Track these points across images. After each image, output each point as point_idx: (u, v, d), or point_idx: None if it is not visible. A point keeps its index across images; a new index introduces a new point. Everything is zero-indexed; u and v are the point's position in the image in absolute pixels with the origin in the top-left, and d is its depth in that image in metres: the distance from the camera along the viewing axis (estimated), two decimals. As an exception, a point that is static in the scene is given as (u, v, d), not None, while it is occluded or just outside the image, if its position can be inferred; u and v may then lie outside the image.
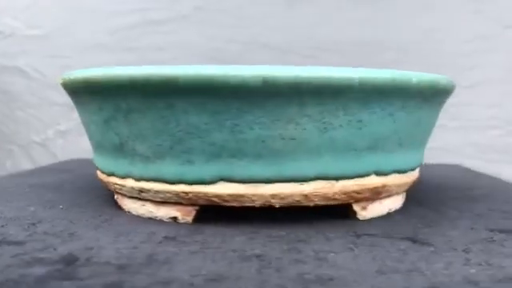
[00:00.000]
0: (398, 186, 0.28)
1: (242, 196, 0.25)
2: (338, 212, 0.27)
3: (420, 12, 0.60)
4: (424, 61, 0.59)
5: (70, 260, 0.20)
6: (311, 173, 0.24)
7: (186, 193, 0.25)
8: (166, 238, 0.23)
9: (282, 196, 0.25)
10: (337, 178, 0.25)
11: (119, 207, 0.29)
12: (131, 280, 0.17)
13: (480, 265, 0.20)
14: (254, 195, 0.24)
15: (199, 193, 0.25)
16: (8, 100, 0.64)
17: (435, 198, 0.34)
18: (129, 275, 0.18)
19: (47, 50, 0.64)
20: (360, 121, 0.24)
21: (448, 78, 0.27)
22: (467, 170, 0.51)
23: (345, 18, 0.60)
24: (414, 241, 0.23)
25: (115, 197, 0.30)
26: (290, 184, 0.25)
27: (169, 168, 0.25)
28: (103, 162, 0.29)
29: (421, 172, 0.32)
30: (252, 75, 0.22)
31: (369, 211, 0.27)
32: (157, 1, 0.62)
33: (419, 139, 0.28)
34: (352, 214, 0.27)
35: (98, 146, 0.29)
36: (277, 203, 0.25)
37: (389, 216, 0.28)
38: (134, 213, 0.28)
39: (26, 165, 0.64)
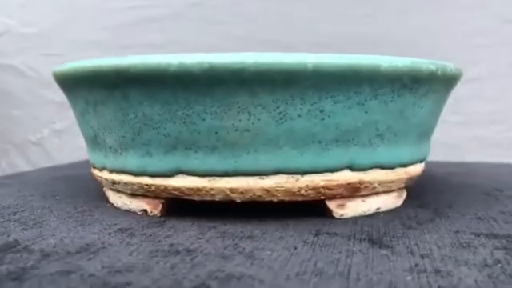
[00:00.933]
0: (384, 182, 0.25)
1: (200, 190, 0.24)
2: (318, 210, 0.25)
3: (420, 7, 0.56)
4: (425, 56, 0.54)
5: (7, 246, 0.20)
6: (271, 166, 0.23)
7: (149, 185, 0.25)
8: (119, 229, 0.23)
9: (241, 190, 0.23)
10: (301, 173, 0.23)
11: (107, 199, 0.30)
12: (37, 267, 0.18)
13: (424, 271, 0.17)
14: (212, 189, 0.24)
15: (160, 186, 0.24)
16: (3, 99, 0.65)
17: (447, 199, 0.30)
18: (42, 263, 0.18)
19: (43, 48, 0.64)
20: (322, 111, 0.22)
21: (439, 64, 0.24)
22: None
23: (344, 13, 0.57)
24: (373, 243, 0.21)
25: (103, 189, 0.30)
26: (249, 178, 0.23)
27: (132, 160, 0.25)
28: (89, 155, 0.29)
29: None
30: (193, 62, 0.21)
31: (348, 209, 0.25)
32: None
33: (409, 132, 0.26)
34: (327, 212, 0.25)
35: (84, 140, 0.29)
36: (237, 198, 0.24)
37: (373, 216, 0.26)
38: (115, 205, 0.28)
39: (22, 164, 0.66)
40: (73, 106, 0.28)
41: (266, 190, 0.23)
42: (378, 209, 0.27)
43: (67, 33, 0.65)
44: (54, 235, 0.22)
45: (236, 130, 0.22)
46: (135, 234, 0.22)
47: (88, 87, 0.25)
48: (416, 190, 0.31)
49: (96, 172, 0.28)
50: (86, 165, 0.41)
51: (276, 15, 0.59)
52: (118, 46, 0.63)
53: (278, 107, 0.22)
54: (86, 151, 0.30)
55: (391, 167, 0.25)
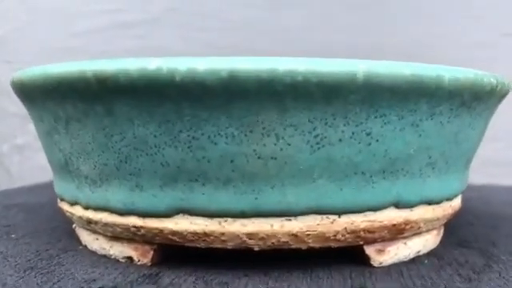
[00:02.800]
0: (430, 221, 0.21)
1: (208, 235, 0.18)
2: (345, 253, 0.20)
3: (418, 17, 0.53)
4: (418, 60, 0.51)
5: None
6: (301, 204, 0.18)
7: (138, 227, 0.19)
8: (101, 289, 0.17)
9: (262, 236, 0.18)
10: (339, 212, 0.18)
11: (78, 239, 0.24)
12: None
13: None
14: (223, 234, 0.18)
15: (154, 228, 0.19)
16: (-42, 110, 0.58)
17: (482, 235, 0.26)
18: None
19: (2, 55, 0.58)
20: (368, 133, 0.17)
21: (499, 76, 0.20)
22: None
23: (336, 22, 0.53)
24: (444, 307, 0.16)
25: (73, 226, 0.24)
26: (273, 219, 0.18)
27: (116, 195, 0.19)
28: (55, 184, 0.23)
29: (465, 199, 0.25)
30: (207, 70, 0.16)
31: (387, 255, 0.20)
32: (127, 2, 0.55)
33: (460, 159, 0.21)
34: (364, 259, 0.20)
35: (49, 164, 0.23)
36: (256, 245, 0.18)
37: (415, 262, 0.21)
38: (89, 247, 0.22)
39: None
40: (36, 123, 0.22)
41: (294, 235, 0.18)
42: (418, 252, 0.22)
43: (31, 38, 0.57)
44: (10, 301, 0.16)
45: (259, 157, 0.17)
46: (124, 298, 0.17)
47: (59, 99, 0.19)
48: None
49: (65, 206, 0.22)
50: (49, 189, 0.35)
51: (264, 24, 0.54)
52: (89, 54, 0.56)
53: (314, 129, 0.17)
54: (48, 170, 0.24)
55: (439, 202, 0.21)
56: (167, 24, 0.55)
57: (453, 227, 0.27)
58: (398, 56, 0.51)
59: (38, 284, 0.18)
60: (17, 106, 0.57)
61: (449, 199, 0.22)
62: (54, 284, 0.18)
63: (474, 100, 0.19)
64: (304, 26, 0.54)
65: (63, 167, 0.21)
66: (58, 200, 0.24)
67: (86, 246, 0.23)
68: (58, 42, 0.57)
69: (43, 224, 0.27)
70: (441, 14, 0.53)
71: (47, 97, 0.19)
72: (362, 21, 0.53)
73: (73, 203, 0.22)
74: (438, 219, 0.21)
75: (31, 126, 0.59)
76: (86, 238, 0.23)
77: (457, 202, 0.23)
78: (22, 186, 0.43)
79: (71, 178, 0.21)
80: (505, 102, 0.45)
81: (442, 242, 0.24)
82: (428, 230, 0.22)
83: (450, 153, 0.20)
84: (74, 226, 0.24)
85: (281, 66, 0.16)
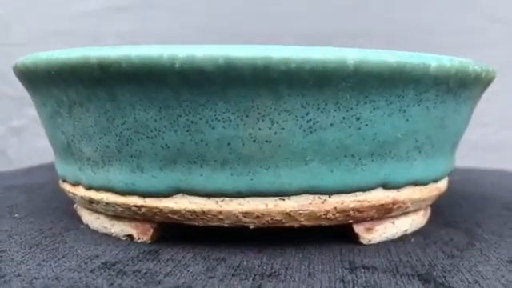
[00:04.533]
0: (416, 201, 0.22)
1: (205, 213, 0.19)
2: (336, 231, 0.22)
3: (408, 2, 0.54)
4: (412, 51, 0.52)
5: (-42, 296, 0.15)
6: (294, 185, 0.19)
7: (139, 207, 0.20)
8: (104, 264, 0.18)
9: (257, 214, 0.19)
10: (329, 193, 0.19)
11: (79, 218, 0.25)
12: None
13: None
14: (220, 213, 0.19)
15: (154, 208, 0.20)
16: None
17: (469, 215, 0.27)
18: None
19: None
20: (358, 118, 0.18)
21: (483, 64, 0.21)
22: (510, 175, 0.43)
23: (330, 6, 0.54)
24: (426, 280, 0.17)
25: (74, 206, 0.25)
26: (267, 199, 0.19)
27: (118, 175, 0.20)
28: (57, 166, 0.24)
29: (451, 181, 0.26)
30: (205, 56, 0.16)
31: (376, 234, 0.21)
32: None
33: (446, 143, 0.22)
34: (354, 237, 0.21)
35: (52, 147, 0.24)
36: (251, 223, 0.19)
37: (403, 240, 0.22)
38: (90, 226, 0.23)
39: None
40: (38, 107, 0.23)
41: (288, 213, 0.19)
42: (405, 230, 0.23)
43: (26, 21, 0.57)
44: (19, 275, 0.17)
45: (254, 140, 0.18)
46: (126, 272, 0.18)
47: (63, 85, 0.19)
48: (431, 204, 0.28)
49: (67, 187, 0.23)
50: (49, 170, 0.36)
51: (258, 7, 0.55)
52: (84, 37, 0.56)
53: (307, 114, 0.18)
54: (48, 153, 0.24)
55: (425, 183, 0.22)
56: (160, 8, 0.55)
57: (441, 208, 0.28)
58: (387, 41, 0.52)
59: (43, 260, 0.19)
60: (13, 89, 0.58)
61: (435, 181, 0.23)
62: (58, 260, 0.19)
63: (460, 87, 0.20)
64: (297, 11, 0.54)
65: (66, 149, 0.22)
66: (60, 181, 0.25)
67: (87, 225, 0.24)
68: (52, 25, 0.57)
69: (44, 204, 0.28)
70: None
71: (51, 82, 0.20)
72: (355, 5, 0.54)
73: (75, 184, 0.22)
74: (424, 200, 0.22)
75: (28, 109, 0.60)
76: (88, 217, 0.23)
77: (443, 184, 0.24)
78: (19, 167, 0.44)
79: (73, 159, 0.22)
80: (495, 87, 0.47)
81: (429, 221, 0.25)
82: (415, 210, 0.23)
83: (436, 137, 0.21)
84: (75, 206, 0.25)
85: (275, 54, 0.17)
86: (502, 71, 0.52)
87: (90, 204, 0.22)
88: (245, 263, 0.19)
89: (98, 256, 0.19)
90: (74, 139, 0.21)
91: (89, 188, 0.21)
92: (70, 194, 0.23)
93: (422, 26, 0.54)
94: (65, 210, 0.27)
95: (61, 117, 0.21)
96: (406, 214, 0.23)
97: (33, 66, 0.20)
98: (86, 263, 0.18)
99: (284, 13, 0.54)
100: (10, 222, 0.24)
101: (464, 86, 0.20)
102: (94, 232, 0.23)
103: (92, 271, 0.18)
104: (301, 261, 0.19)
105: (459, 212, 0.28)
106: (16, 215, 0.26)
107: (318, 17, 0.54)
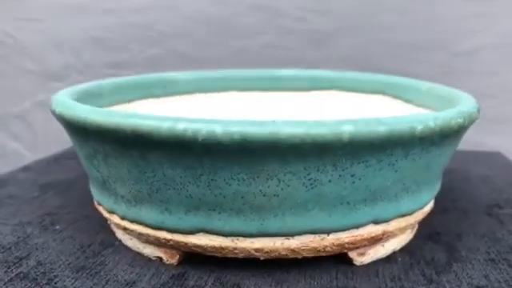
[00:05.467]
0: (403, 228, 0.25)
1: (223, 248, 0.23)
2: (334, 256, 0.25)
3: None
4: (420, 22, 0.54)
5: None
6: (298, 228, 0.22)
7: (168, 240, 0.24)
8: (141, 293, 0.22)
9: (267, 250, 0.23)
10: (328, 232, 0.23)
11: (112, 233, 0.29)
12: None
13: None
14: (235, 248, 0.23)
15: (180, 242, 0.24)
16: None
17: (453, 226, 0.31)
18: None
19: (17, 12, 0.60)
20: (353, 175, 0.21)
21: (467, 112, 0.24)
22: (503, 162, 0.46)
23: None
24: (404, 313, 0.21)
25: (108, 222, 0.29)
26: (275, 238, 0.23)
27: (149, 214, 0.24)
28: (92, 190, 0.28)
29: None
30: (224, 133, 0.20)
31: (367, 256, 0.25)
32: None
33: (431, 179, 0.25)
34: (348, 260, 0.25)
35: (89, 176, 0.28)
36: (261, 256, 0.23)
37: (390, 260, 0.26)
38: (124, 243, 0.27)
39: (4, 139, 0.63)
40: (75, 145, 0.26)
41: (292, 249, 0.23)
42: (394, 249, 0.27)
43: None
44: (74, 305, 0.21)
45: (264, 195, 0.21)
46: (160, 302, 0.22)
47: (99, 140, 0.23)
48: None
49: (102, 211, 0.27)
50: (74, 159, 0.39)
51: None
52: (100, 10, 0.59)
53: (308, 174, 0.21)
54: None
55: (412, 213, 0.25)
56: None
57: (429, 216, 0.31)
58: (399, 12, 0.54)
59: (89, 286, 0.23)
60: (35, 64, 0.61)
61: (421, 208, 0.26)
62: (103, 287, 0.23)
63: (443, 139, 0.23)
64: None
65: (101, 184, 0.25)
66: (95, 203, 0.28)
67: (120, 241, 0.28)
68: (69, 0, 0.59)
69: (79, 211, 0.32)
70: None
71: (87, 136, 0.23)
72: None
73: (110, 212, 0.26)
74: (411, 225, 0.26)
75: (52, 83, 0.63)
76: (121, 236, 0.27)
77: (428, 207, 0.27)
78: (47, 155, 0.47)
79: (108, 194, 0.25)
80: (500, 60, 0.49)
81: (416, 234, 0.29)
82: (403, 233, 0.27)
83: (422, 178, 0.24)
84: (108, 222, 0.29)
85: (282, 131, 0.20)
86: (505, 41, 0.53)
87: (124, 230, 0.26)
88: (256, 291, 0.23)
89: (135, 282, 0.23)
90: (109, 179, 0.24)
91: (123, 218, 0.25)
92: (106, 216, 0.27)
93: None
94: (98, 221, 0.30)
95: (96, 160, 0.24)
96: (394, 237, 0.26)
97: (70, 119, 0.23)
98: (126, 291, 0.22)
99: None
100: (54, 237, 0.28)
101: (447, 137, 0.23)
102: (128, 250, 0.27)
103: (132, 301, 0.22)
104: (303, 284, 0.23)
105: (443, 220, 0.31)
106: (57, 227, 0.30)
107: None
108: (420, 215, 0.26)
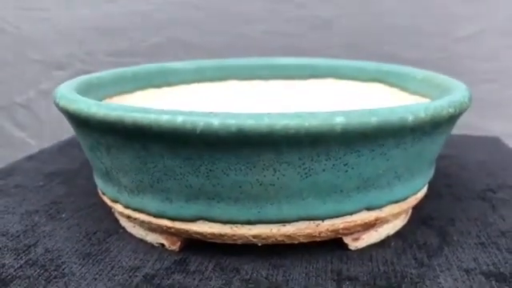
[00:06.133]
0: (396, 214, 0.26)
1: (222, 235, 0.24)
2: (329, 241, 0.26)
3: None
4: (421, 12, 0.55)
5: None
6: (293, 215, 0.23)
7: (169, 227, 0.25)
8: (144, 277, 0.23)
9: (264, 236, 0.24)
10: (322, 218, 0.24)
11: (116, 220, 0.30)
12: None
13: None
14: (234, 235, 0.24)
15: (181, 229, 0.25)
16: (-18, 58, 0.62)
17: (446, 211, 0.32)
18: None
19: (21, 2, 0.61)
20: (346, 164, 0.22)
21: (458, 102, 0.24)
22: (499, 148, 0.47)
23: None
24: (395, 295, 0.22)
25: (112, 210, 0.30)
26: (272, 225, 0.24)
27: (151, 203, 0.25)
28: (97, 180, 0.29)
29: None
30: (220, 125, 0.20)
31: (361, 241, 0.26)
32: None
33: (424, 166, 0.26)
34: (343, 245, 0.26)
35: (92, 166, 0.29)
36: (259, 242, 0.24)
37: (383, 244, 0.27)
38: (128, 230, 0.28)
39: (9, 128, 0.64)
40: (78, 136, 0.27)
41: (288, 235, 0.24)
42: (387, 234, 0.28)
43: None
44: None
45: (260, 184, 0.22)
46: (163, 287, 0.23)
47: (101, 132, 0.24)
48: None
49: (106, 200, 0.28)
50: (78, 148, 0.40)
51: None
52: (104, 1, 0.59)
53: (303, 164, 0.22)
54: None
55: (404, 199, 0.26)
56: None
57: (422, 200, 0.32)
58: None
59: (97, 273, 0.24)
60: (38, 53, 0.61)
61: (414, 194, 0.27)
62: (108, 273, 0.24)
63: (434, 128, 0.24)
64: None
65: (104, 175, 0.26)
66: (100, 192, 0.29)
67: (124, 228, 0.29)
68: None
69: (84, 199, 0.33)
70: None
71: (90, 128, 0.24)
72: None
73: (114, 201, 0.27)
74: (404, 210, 0.27)
75: (55, 72, 0.64)
76: (125, 223, 0.28)
77: (421, 193, 0.28)
78: (52, 144, 0.48)
79: (112, 184, 0.26)
80: (501, 46, 0.49)
81: (410, 219, 0.30)
82: (396, 219, 0.28)
83: (414, 166, 0.25)
84: (112, 210, 0.30)
85: (277, 122, 0.20)
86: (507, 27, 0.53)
87: (128, 218, 0.27)
88: (255, 275, 0.24)
89: (139, 268, 0.24)
90: (112, 170, 0.25)
91: (126, 207, 0.26)
92: (110, 205, 0.28)
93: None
94: (103, 209, 0.31)
95: (99, 151, 0.25)
96: (387, 222, 0.27)
97: (73, 113, 0.24)
98: (130, 277, 0.24)
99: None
100: (60, 225, 0.29)
101: (439, 126, 0.24)
102: (132, 237, 0.28)
103: (136, 286, 0.23)
104: (299, 272, 0.24)
105: (437, 205, 0.32)
106: (63, 215, 0.31)
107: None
108: (413, 201, 0.27)
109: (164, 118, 0.21)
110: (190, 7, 0.58)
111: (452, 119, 0.25)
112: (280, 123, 0.20)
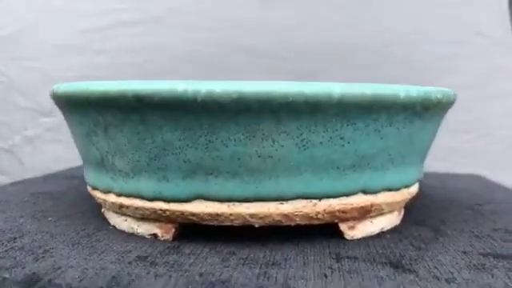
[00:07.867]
0: (390, 204, 0.26)
1: (219, 215, 0.24)
2: (327, 229, 0.26)
3: (395, 16, 0.58)
4: (400, 64, 0.58)
5: (31, 281, 0.19)
6: (291, 192, 0.23)
7: (164, 210, 0.24)
8: (138, 257, 0.23)
9: (261, 216, 0.24)
10: (319, 197, 0.24)
11: (106, 220, 0.29)
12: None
13: (459, 298, 0.18)
14: (231, 215, 0.24)
15: (176, 211, 0.24)
16: (-28, 104, 0.63)
17: (437, 215, 0.32)
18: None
19: (10, 52, 0.62)
20: (342, 138, 0.23)
21: (445, 91, 0.26)
22: (482, 181, 0.48)
23: (322, 20, 0.59)
24: (396, 267, 0.22)
25: (102, 210, 0.29)
26: (269, 203, 0.24)
27: (146, 184, 0.24)
28: (88, 176, 0.28)
29: (423, 185, 0.30)
30: (222, 91, 0.21)
31: (357, 231, 0.26)
32: (129, 1, 0.60)
33: (414, 155, 0.27)
34: (339, 234, 0.26)
35: (84, 160, 0.29)
36: (256, 223, 0.24)
37: (380, 236, 0.27)
38: (117, 227, 0.28)
39: None
40: (74, 125, 0.27)
41: (286, 215, 0.24)
42: (382, 228, 0.27)
43: (39, 36, 0.62)
44: (71, 266, 0.21)
45: (259, 156, 0.23)
46: (157, 263, 0.22)
47: (101, 110, 0.24)
48: (404, 206, 0.33)
49: (98, 194, 0.28)
50: (65, 179, 0.40)
51: (255, 21, 0.59)
52: (93, 51, 0.61)
53: (301, 134, 0.22)
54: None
55: (397, 189, 0.27)
56: (166, 23, 0.60)
57: (413, 209, 0.32)
58: (378, 53, 0.57)
59: (87, 255, 0.23)
60: (26, 100, 0.62)
61: (406, 186, 0.27)
62: (99, 254, 0.23)
63: (425, 111, 0.25)
64: (291, 24, 0.59)
65: (99, 163, 0.26)
66: (89, 188, 0.29)
67: (114, 227, 0.28)
68: (62, 40, 0.62)
69: (72, 209, 0.32)
70: (418, 11, 0.58)
71: (89, 107, 0.24)
72: (342, 19, 0.58)
73: (106, 192, 0.27)
74: (397, 202, 0.27)
75: (41, 119, 0.64)
76: (115, 220, 0.28)
77: (414, 189, 0.29)
78: (34, 176, 0.47)
79: (106, 171, 0.26)
80: (475, 98, 0.51)
81: (402, 220, 0.30)
82: (390, 211, 0.28)
83: (406, 150, 0.26)
84: (102, 210, 0.29)
85: (276, 89, 0.21)
86: (479, 82, 0.57)
87: (120, 208, 0.26)
88: (252, 255, 0.23)
89: (131, 251, 0.24)
90: (107, 154, 0.25)
91: (119, 195, 0.26)
92: (100, 200, 0.28)
93: (410, 38, 0.58)
94: (92, 214, 0.31)
95: (96, 135, 0.25)
96: (382, 214, 0.27)
97: (73, 94, 0.24)
98: (122, 257, 0.23)
99: (274, 28, 0.59)
100: (46, 225, 0.28)
101: (428, 110, 0.25)
102: (122, 232, 0.27)
103: (130, 263, 0.22)
104: (297, 253, 0.24)
105: (428, 212, 0.33)
106: (50, 219, 0.30)
107: (310, 30, 0.58)
108: (406, 195, 0.28)
109: (166, 87, 0.21)
110: (177, 60, 0.60)
111: (439, 106, 0.26)
112: (280, 90, 0.21)
